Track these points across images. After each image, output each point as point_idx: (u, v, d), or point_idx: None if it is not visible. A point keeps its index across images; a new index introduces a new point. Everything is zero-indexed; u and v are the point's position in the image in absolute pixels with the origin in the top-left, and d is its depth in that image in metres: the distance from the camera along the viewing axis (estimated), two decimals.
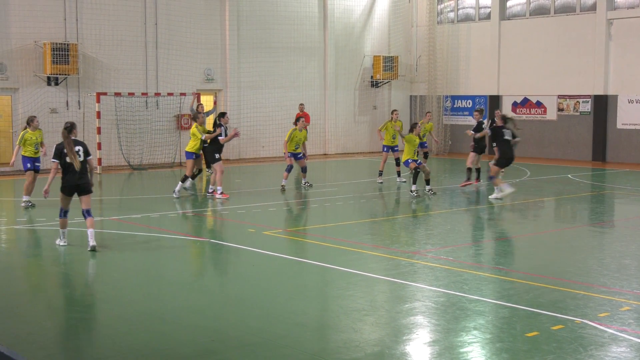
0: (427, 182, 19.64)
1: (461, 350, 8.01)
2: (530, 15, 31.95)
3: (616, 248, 14.09)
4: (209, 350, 7.98)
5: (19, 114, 25.09)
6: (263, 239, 14.13)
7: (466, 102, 34.05)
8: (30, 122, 17.63)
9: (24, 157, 17.64)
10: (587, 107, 30.12)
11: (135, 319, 9.10)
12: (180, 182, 19.44)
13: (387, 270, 11.69)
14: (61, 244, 13.14)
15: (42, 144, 17.89)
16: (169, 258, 12.87)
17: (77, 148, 12.70)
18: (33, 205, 17.37)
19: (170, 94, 27.78)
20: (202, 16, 29.07)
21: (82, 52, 26.01)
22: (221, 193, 18.91)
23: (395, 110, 23.35)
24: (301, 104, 28.23)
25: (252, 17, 30.30)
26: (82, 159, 12.68)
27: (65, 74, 25.45)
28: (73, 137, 12.81)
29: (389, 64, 33.81)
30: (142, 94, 27.42)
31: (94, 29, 26.39)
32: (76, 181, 12.68)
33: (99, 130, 25.51)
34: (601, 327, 8.64)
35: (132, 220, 15.78)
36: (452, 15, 34.56)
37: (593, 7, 29.76)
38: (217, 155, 18.87)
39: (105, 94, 25.93)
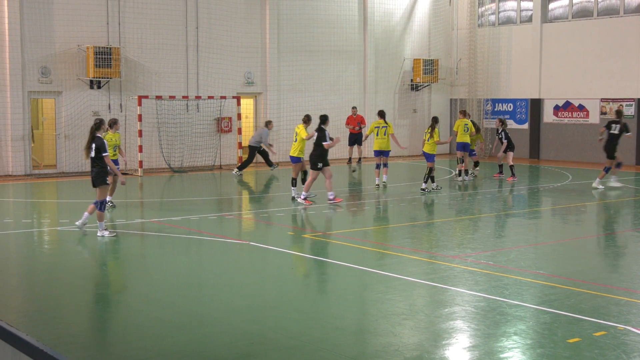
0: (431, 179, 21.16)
1: (501, 355, 7.95)
2: (572, 17, 31.63)
3: None
4: (248, 353, 8.01)
5: (62, 117, 25.47)
6: (302, 241, 14.16)
7: (507, 106, 33.80)
8: (113, 124, 17.25)
9: None
10: (630, 110, 29.71)
11: (175, 322, 9.16)
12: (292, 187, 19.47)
13: (426, 274, 11.64)
14: (98, 234, 14.12)
15: (119, 148, 17.64)
16: (209, 260, 12.96)
17: (93, 145, 14.09)
18: (114, 206, 17.47)
19: (210, 97, 27.92)
20: (242, 20, 29.22)
21: (124, 55, 26.30)
22: (305, 199, 18.52)
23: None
24: (354, 107, 28.91)
25: (292, 21, 30.39)
26: (92, 155, 14.09)
27: (108, 78, 25.75)
28: (99, 134, 14.20)
29: (429, 67, 33.70)
30: (183, 97, 27.62)
31: (136, 33, 26.69)
32: (91, 174, 14.34)
33: (140, 133, 25.75)
34: None
35: (172, 222, 15.89)
36: (493, 18, 34.36)
37: (637, 9, 29.38)
38: (319, 165, 18.43)
39: (146, 97, 26.17)
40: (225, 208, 19.52)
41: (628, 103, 29.74)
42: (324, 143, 18.45)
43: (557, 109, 32.03)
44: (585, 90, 30.96)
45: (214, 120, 28.78)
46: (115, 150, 17.23)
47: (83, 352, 8.07)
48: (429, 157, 20.89)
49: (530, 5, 32.81)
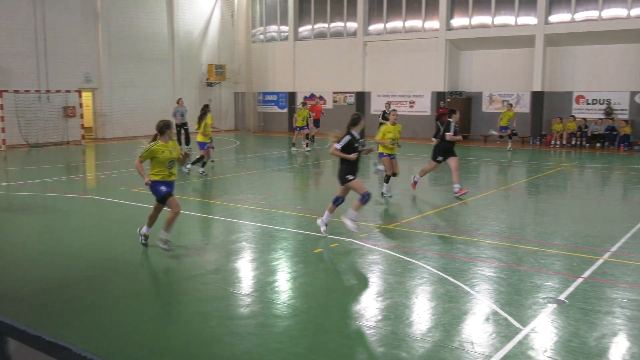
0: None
1: (272, 264, 8.17)
2: (314, 38, 32.49)
3: (372, 192, 14.80)
4: (95, 275, 7.64)
5: None
6: (133, 194, 13.62)
7: (272, 96, 34.25)
8: (167, 128, 8.49)
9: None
10: (352, 99, 31.20)
11: (28, 260, 8.54)
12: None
13: (222, 212, 11.65)
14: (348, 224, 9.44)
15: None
16: (60, 212, 12.12)
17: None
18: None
19: (58, 91, 25.85)
20: (81, 33, 27.13)
21: None
22: (459, 190, 12.89)
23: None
24: (320, 98, 27.77)
25: (120, 34, 28.65)
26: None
27: None
28: (354, 130, 9.50)
29: (219, 70, 33.30)
30: (36, 91, 25.34)
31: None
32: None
33: (2, 119, 23.39)
34: (362, 243, 9.09)
35: (31, 184, 14.69)
36: (262, 37, 34.48)
37: (354, 33, 30.71)
38: (439, 158, 13.06)
39: (6, 91, 23.76)
40: (73, 172, 18.28)
41: (350, 95, 31.15)
42: (447, 134, 12.89)
43: (305, 98, 32.83)
44: (324, 85, 32.03)
45: (61, 108, 26.67)
46: (170, 168, 8.65)
47: None
48: (201, 145, 16.27)
49: (286, 28, 33.27)
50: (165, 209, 8.72)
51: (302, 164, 20.11)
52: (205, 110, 16.21)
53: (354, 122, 9.52)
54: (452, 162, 12.89)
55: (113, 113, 28.62)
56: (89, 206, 12.63)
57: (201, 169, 16.28)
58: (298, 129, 23.24)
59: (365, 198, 9.33)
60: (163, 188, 8.50)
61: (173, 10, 31.04)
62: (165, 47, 31.05)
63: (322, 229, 9.61)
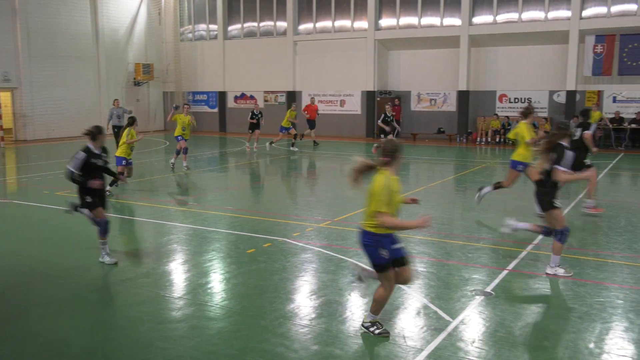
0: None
1: (204, 265, 8.07)
2: (244, 37, 32.26)
3: (305, 191, 14.84)
4: (25, 281, 7.31)
5: None
6: (54, 198, 13.10)
7: (202, 96, 33.79)
8: (398, 152, 5.40)
9: None
10: (283, 99, 31.17)
11: None
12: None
13: (151, 215, 11.38)
14: (548, 271, 7.56)
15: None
16: None
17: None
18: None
19: None
20: None
21: None
22: (593, 207, 11.30)
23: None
24: (312, 97, 26.30)
25: (40, 32, 27.53)
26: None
27: None
28: (564, 142, 7.50)
29: (147, 69, 32.55)
30: None
31: None
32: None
33: None
34: (295, 242, 9.11)
35: None
36: (190, 35, 33.94)
37: (284, 33, 30.71)
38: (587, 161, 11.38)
39: None
40: None
41: (281, 94, 31.13)
42: (586, 132, 11.33)
43: (235, 98, 32.64)
44: (254, 85, 31.87)
45: None
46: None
47: None
48: (118, 161, 13.53)
49: (215, 27, 32.87)
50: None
51: (240, 164, 19.93)
52: (131, 121, 13.81)
53: (563, 131, 7.45)
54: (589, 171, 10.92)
55: (34, 114, 27.48)
56: (10, 211, 12.07)
57: (109, 187, 12.96)
58: (284, 130, 22.92)
59: (564, 235, 7.39)
60: (385, 253, 5.34)
61: (97, 7, 30.10)
62: (90, 45, 30.06)
63: (561, 271, 7.49)
